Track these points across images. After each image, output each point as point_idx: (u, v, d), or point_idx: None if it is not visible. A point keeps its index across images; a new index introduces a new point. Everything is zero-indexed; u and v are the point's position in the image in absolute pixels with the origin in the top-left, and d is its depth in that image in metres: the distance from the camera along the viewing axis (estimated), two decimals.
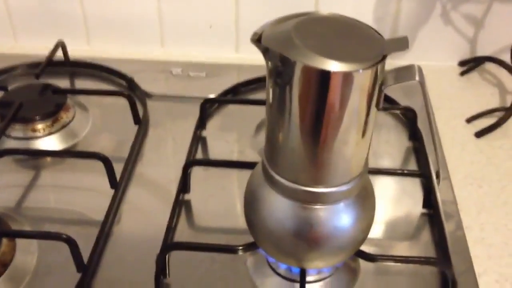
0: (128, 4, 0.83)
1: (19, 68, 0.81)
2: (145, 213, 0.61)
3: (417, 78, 0.40)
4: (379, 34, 0.41)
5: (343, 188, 0.44)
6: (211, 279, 0.54)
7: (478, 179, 0.65)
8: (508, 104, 0.73)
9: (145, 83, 0.78)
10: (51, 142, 0.69)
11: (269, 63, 0.40)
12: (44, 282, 0.53)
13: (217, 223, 0.60)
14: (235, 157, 0.68)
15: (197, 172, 0.64)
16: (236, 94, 0.78)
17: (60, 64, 0.81)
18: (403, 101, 0.73)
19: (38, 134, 0.69)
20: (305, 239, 0.45)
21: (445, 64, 0.84)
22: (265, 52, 0.39)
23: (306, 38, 0.38)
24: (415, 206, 0.61)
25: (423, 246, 0.57)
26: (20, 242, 0.56)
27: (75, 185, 0.64)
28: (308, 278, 0.52)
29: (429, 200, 0.61)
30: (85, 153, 0.67)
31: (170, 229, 0.57)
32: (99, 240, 0.56)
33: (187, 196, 0.62)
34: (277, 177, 0.44)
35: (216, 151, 0.69)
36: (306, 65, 0.37)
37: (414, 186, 0.64)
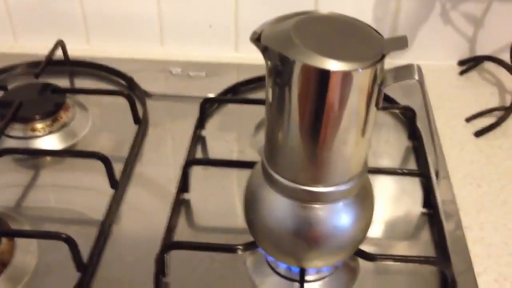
0: (128, 3, 0.83)
1: (19, 67, 0.81)
2: (145, 212, 0.61)
3: (416, 77, 0.40)
4: (379, 33, 0.41)
5: (343, 187, 0.44)
6: (211, 279, 0.54)
7: (478, 179, 0.65)
8: (508, 104, 0.74)
9: (144, 83, 0.78)
10: (50, 142, 0.69)
11: (269, 62, 0.40)
12: (44, 282, 0.53)
13: (217, 222, 0.60)
14: (234, 156, 0.68)
15: (196, 172, 0.64)
16: (235, 94, 0.78)
17: (60, 63, 0.81)
18: (403, 101, 0.73)
19: (37, 133, 0.69)
20: (305, 238, 0.45)
21: (444, 63, 0.84)
22: (265, 51, 0.39)
23: (306, 37, 0.38)
24: (414, 206, 0.61)
25: (423, 246, 0.57)
26: (19, 241, 0.56)
27: (75, 185, 0.64)
28: (308, 278, 0.52)
29: (429, 199, 0.61)
30: (84, 152, 0.67)
31: (170, 228, 0.57)
32: (99, 240, 0.56)
33: (186, 196, 0.62)
34: (277, 177, 0.44)
35: (216, 150, 0.69)
36: (305, 64, 0.37)
37: (413, 186, 0.64)
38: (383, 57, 0.38)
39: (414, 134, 0.70)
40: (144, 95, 0.76)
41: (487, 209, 0.62)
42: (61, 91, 0.74)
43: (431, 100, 0.77)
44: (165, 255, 0.53)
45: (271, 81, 0.41)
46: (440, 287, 0.53)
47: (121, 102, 0.71)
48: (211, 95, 0.75)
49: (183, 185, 0.62)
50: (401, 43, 0.40)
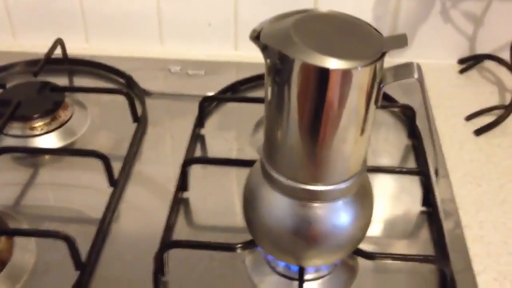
0: (127, 1, 0.83)
1: (18, 66, 0.81)
2: (144, 211, 0.61)
3: (415, 75, 0.40)
4: (378, 31, 0.41)
5: (342, 186, 0.44)
6: (210, 277, 0.54)
7: (477, 177, 0.65)
8: (507, 102, 0.73)
9: (143, 81, 0.78)
10: (49, 140, 0.69)
11: (268, 60, 0.40)
12: (42, 280, 0.53)
13: (216, 221, 0.60)
14: (233, 155, 0.68)
15: (195, 170, 0.64)
16: (235, 92, 0.78)
17: (59, 62, 0.81)
18: (402, 99, 0.73)
19: (36, 132, 0.69)
20: (304, 237, 0.45)
21: (444, 62, 0.84)
22: (264, 49, 0.39)
23: (305, 35, 0.38)
24: (413, 204, 0.61)
25: (422, 244, 0.57)
26: (18, 240, 0.56)
27: (73, 183, 0.64)
28: (307, 276, 0.52)
29: (428, 198, 0.61)
30: (83, 151, 0.66)
31: (169, 227, 0.57)
32: (97, 238, 0.56)
33: (185, 194, 0.62)
34: (276, 175, 0.44)
35: (215, 149, 0.69)
36: (304, 63, 0.37)
37: (412, 184, 0.63)
38: (382, 55, 0.38)
39: (413, 133, 0.70)
40: (143, 93, 0.76)
41: (486, 208, 0.62)
42: (60, 90, 0.74)
43: (431, 98, 0.77)
44: (164, 253, 0.53)
45: (270, 79, 0.41)
46: (439, 285, 0.53)
47: (120, 101, 0.71)
48: (210, 94, 0.75)
49: (182, 183, 0.62)
50: (400, 41, 0.40)
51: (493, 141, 0.71)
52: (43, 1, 0.84)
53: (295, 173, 0.43)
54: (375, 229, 0.58)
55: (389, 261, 0.55)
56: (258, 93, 0.77)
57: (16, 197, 0.62)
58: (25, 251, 0.55)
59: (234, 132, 0.71)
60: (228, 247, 0.53)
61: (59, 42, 0.80)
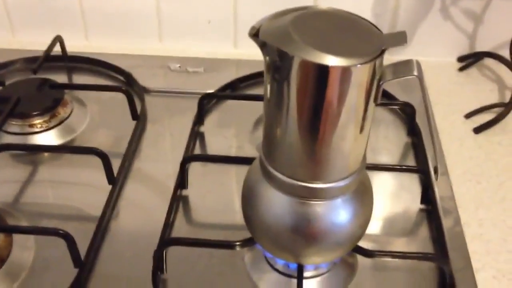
0: None
1: (17, 63, 0.81)
2: (143, 208, 0.61)
3: (415, 73, 0.39)
4: (378, 29, 0.40)
5: (341, 183, 0.44)
6: (209, 275, 0.54)
7: (477, 175, 0.65)
8: (507, 100, 0.73)
9: (143, 78, 0.78)
10: (48, 138, 0.69)
11: (267, 57, 0.40)
12: (41, 278, 0.53)
13: (215, 218, 0.60)
14: (233, 152, 0.68)
15: (195, 168, 0.64)
16: (234, 90, 0.78)
17: (58, 59, 0.81)
18: (402, 97, 0.73)
19: (35, 129, 0.69)
20: (303, 235, 0.45)
21: (444, 59, 0.84)
22: (263, 46, 0.39)
23: (304, 32, 0.38)
24: (413, 202, 0.61)
25: (421, 242, 0.57)
26: (17, 237, 0.56)
27: (73, 181, 0.64)
28: (306, 274, 0.52)
29: (427, 196, 0.61)
30: (82, 148, 0.66)
31: (168, 224, 0.57)
32: (96, 236, 0.56)
33: (185, 192, 0.62)
34: (275, 173, 0.44)
35: (214, 146, 0.69)
36: (304, 60, 0.37)
37: (412, 182, 0.63)
38: (382, 52, 0.38)
39: (413, 130, 0.70)
40: (142, 91, 0.76)
41: (486, 205, 0.62)
42: (59, 87, 0.74)
43: (431, 96, 0.77)
44: (163, 251, 0.53)
45: (269, 76, 0.40)
46: (438, 283, 0.53)
47: (120, 98, 0.71)
48: (210, 91, 0.75)
49: (181, 181, 0.62)
50: (400, 38, 0.40)
51: (492, 138, 0.70)
52: None
53: (294, 170, 0.43)
54: (374, 226, 0.58)
55: (388, 259, 0.55)
56: (258, 91, 0.77)
57: (15, 194, 0.62)
58: (24, 249, 0.55)
59: (234, 130, 0.71)
60: (227, 245, 0.53)
61: (58, 39, 0.80)
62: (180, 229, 0.58)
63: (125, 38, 0.86)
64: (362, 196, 0.47)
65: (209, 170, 0.65)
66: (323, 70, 0.37)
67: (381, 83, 0.40)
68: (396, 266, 0.55)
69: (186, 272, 0.54)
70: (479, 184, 0.64)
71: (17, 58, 0.81)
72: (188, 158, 0.63)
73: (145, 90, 0.76)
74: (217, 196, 0.62)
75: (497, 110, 0.73)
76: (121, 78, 0.79)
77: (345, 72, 0.37)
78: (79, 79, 0.80)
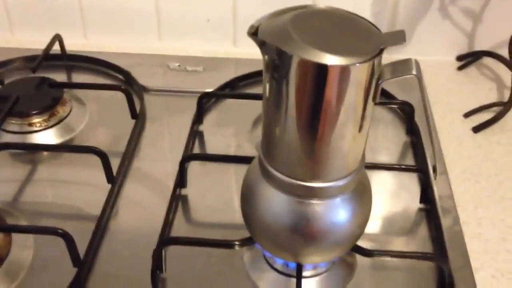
0: None
1: (16, 61, 0.80)
2: (142, 208, 0.61)
3: (414, 72, 0.39)
4: (376, 27, 0.40)
5: (340, 183, 0.44)
6: (208, 274, 0.54)
7: (476, 174, 0.65)
8: (506, 99, 0.73)
9: (142, 77, 0.78)
10: (47, 136, 0.69)
11: (266, 56, 0.40)
12: (40, 277, 0.53)
13: (214, 218, 0.60)
14: (232, 151, 0.68)
15: (194, 167, 0.64)
16: (233, 89, 0.77)
17: (57, 57, 0.81)
18: (401, 96, 0.73)
19: (34, 128, 0.69)
20: (302, 234, 0.45)
21: (443, 58, 0.84)
22: (262, 45, 0.39)
23: (303, 31, 0.38)
24: (412, 201, 0.61)
25: (420, 241, 0.57)
26: (16, 236, 0.56)
27: (72, 180, 0.64)
28: (305, 273, 0.52)
29: (426, 195, 0.61)
30: (81, 147, 0.66)
31: (167, 224, 0.57)
32: (96, 235, 0.56)
33: (184, 191, 0.62)
34: (274, 172, 0.44)
35: (213, 145, 0.69)
36: (302, 59, 0.37)
37: (411, 181, 0.63)
38: (380, 51, 0.38)
39: (412, 129, 0.70)
40: (141, 89, 0.76)
41: (484, 204, 0.62)
42: (58, 86, 0.74)
43: (429, 95, 0.77)
44: (162, 250, 0.53)
45: (268, 75, 0.40)
46: (437, 283, 0.53)
47: (119, 97, 0.71)
48: (209, 90, 0.75)
49: (181, 180, 0.62)
50: (399, 37, 0.40)
51: (491, 137, 0.70)
52: None
53: (293, 169, 0.43)
54: (373, 226, 0.58)
55: (387, 258, 0.55)
56: (257, 90, 0.77)
57: (14, 193, 0.62)
58: (23, 248, 0.55)
59: (233, 129, 0.71)
60: (226, 244, 0.53)
61: (57, 38, 0.80)
62: (179, 228, 0.58)
63: (124, 36, 0.86)
64: (361, 196, 0.47)
65: (208, 169, 0.65)
66: (322, 69, 0.37)
67: (379, 82, 0.40)
68: (395, 266, 0.55)
69: (185, 271, 0.54)
70: (478, 183, 0.64)
71: (16, 57, 0.81)
72: (187, 157, 0.63)
73: (144, 89, 0.76)
74: (216, 195, 0.62)
75: (496, 109, 0.73)
76: (120, 77, 0.79)
77: (344, 71, 0.37)
78: (78, 78, 0.80)
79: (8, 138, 0.68)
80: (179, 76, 0.80)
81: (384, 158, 0.67)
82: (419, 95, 0.43)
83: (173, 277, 0.54)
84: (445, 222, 0.58)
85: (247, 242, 0.52)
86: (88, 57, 0.81)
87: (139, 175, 0.64)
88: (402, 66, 0.40)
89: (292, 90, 0.39)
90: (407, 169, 0.64)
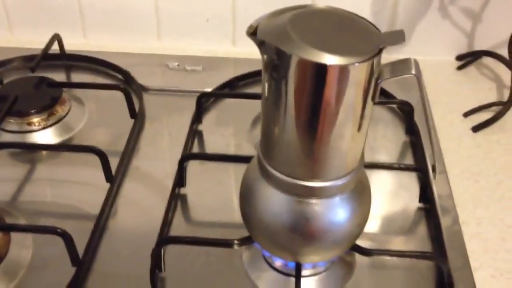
0: None
1: (15, 61, 0.80)
2: (141, 207, 0.61)
3: (413, 71, 0.39)
4: (376, 27, 0.40)
5: (339, 182, 0.44)
6: (207, 273, 0.54)
7: (475, 174, 0.65)
8: (506, 99, 0.73)
9: (141, 77, 0.77)
10: (46, 136, 0.69)
11: (265, 56, 0.40)
12: (39, 276, 0.53)
13: (213, 217, 0.60)
14: (231, 151, 0.68)
15: (193, 166, 0.64)
16: (232, 88, 0.77)
17: (56, 57, 0.81)
18: (400, 95, 0.73)
19: (33, 127, 0.69)
20: (301, 233, 0.45)
21: (442, 58, 0.84)
22: (261, 45, 0.39)
23: (302, 31, 0.38)
24: (411, 201, 0.61)
25: (419, 241, 0.57)
26: (15, 236, 0.56)
27: (71, 179, 0.64)
28: (304, 272, 0.52)
29: (426, 194, 0.61)
30: (80, 147, 0.66)
31: (166, 223, 0.57)
32: (95, 234, 0.56)
33: (183, 190, 0.62)
34: (273, 171, 0.44)
35: (212, 145, 0.69)
36: (301, 59, 0.37)
37: (410, 181, 0.63)
38: (380, 51, 0.38)
39: (411, 129, 0.70)
40: (140, 89, 0.76)
41: (484, 204, 0.62)
42: (57, 85, 0.74)
43: (429, 95, 0.77)
44: (161, 249, 0.53)
45: (267, 75, 0.40)
46: (436, 282, 0.53)
47: (118, 96, 0.70)
48: (208, 90, 0.75)
49: (180, 179, 0.62)
50: (398, 37, 0.40)
51: (491, 137, 0.70)
52: None
53: (292, 169, 0.43)
54: (372, 225, 0.58)
55: (387, 258, 0.55)
56: (256, 89, 0.77)
57: (13, 192, 0.62)
58: (22, 247, 0.55)
59: (232, 128, 0.71)
60: (225, 243, 0.53)
61: (56, 37, 0.80)
62: (178, 228, 0.58)
63: (123, 36, 0.86)
64: (360, 195, 0.47)
65: (207, 169, 0.64)
66: (321, 69, 0.37)
67: (379, 81, 0.40)
68: (394, 265, 0.55)
69: (184, 270, 0.54)
70: (477, 182, 0.64)
71: (15, 56, 0.81)
72: (186, 157, 0.63)
73: (143, 89, 0.76)
74: (215, 195, 0.62)
75: (496, 108, 0.73)
76: (120, 76, 0.79)
77: (343, 70, 0.37)
78: (77, 77, 0.80)
79: (7, 137, 0.68)
80: (178, 75, 0.80)
81: (383, 157, 0.67)
82: (419, 95, 0.43)
83: (172, 276, 0.54)
84: (445, 221, 0.58)
85: (246, 241, 0.52)
86: (87, 56, 0.81)
87: (138, 175, 0.64)
88: (402, 66, 0.40)
89: (291, 89, 0.39)
90: (406, 168, 0.64)
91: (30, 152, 0.67)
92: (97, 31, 0.86)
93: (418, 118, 0.70)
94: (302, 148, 0.42)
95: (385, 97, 0.74)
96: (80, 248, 0.53)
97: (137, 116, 0.71)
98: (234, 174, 0.64)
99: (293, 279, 0.51)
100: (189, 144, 0.67)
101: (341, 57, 0.37)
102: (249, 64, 0.78)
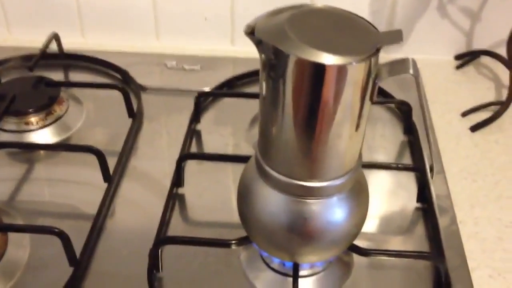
0: None
1: (13, 60, 0.80)
2: (139, 207, 0.60)
3: (411, 71, 0.39)
4: (374, 27, 0.40)
5: (337, 182, 0.44)
6: (205, 273, 0.54)
7: (473, 173, 0.65)
8: (504, 98, 0.73)
9: (139, 76, 0.77)
10: (44, 135, 0.69)
11: (263, 55, 0.39)
12: (36, 276, 0.53)
13: (211, 217, 0.60)
14: (229, 150, 0.68)
15: (191, 166, 0.64)
16: (231, 88, 0.77)
17: (54, 56, 0.81)
18: (398, 95, 0.73)
19: (31, 127, 0.69)
20: (299, 233, 0.45)
21: (441, 57, 0.84)
22: (259, 44, 0.39)
23: (300, 30, 0.38)
24: (409, 200, 0.61)
25: (417, 241, 0.57)
26: (12, 236, 0.56)
27: (69, 179, 0.64)
28: (301, 273, 0.52)
29: (423, 194, 0.61)
30: (78, 146, 0.66)
31: (164, 223, 0.57)
32: (92, 234, 0.56)
33: (181, 190, 0.62)
34: (271, 171, 0.44)
35: (211, 144, 0.69)
36: (299, 58, 0.37)
37: (408, 180, 0.63)
38: (377, 50, 0.38)
39: (409, 129, 0.70)
40: (139, 88, 0.76)
41: (481, 204, 0.62)
42: (55, 85, 0.73)
43: (427, 94, 0.77)
44: (158, 249, 0.53)
45: (265, 74, 0.40)
46: (434, 282, 0.53)
47: (116, 96, 0.70)
48: (206, 89, 0.75)
49: (178, 179, 0.62)
50: (396, 37, 0.40)
51: (489, 137, 0.70)
52: None
53: (290, 169, 0.43)
54: (370, 225, 0.58)
55: (384, 258, 0.55)
56: (255, 89, 0.76)
57: (11, 192, 0.62)
58: (19, 247, 0.55)
59: (230, 128, 0.71)
60: (223, 243, 0.53)
61: (54, 36, 0.80)
62: (176, 227, 0.58)
63: (121, 35, 0.86)
64: (358, 195, 0.47)
65: (205, 168, 0.64)
66: (319, 68, 0.37)
67: (377, 81, 0.40)
68: (392, 265, 0.55)
69: (182, 270, 0.54)
70: (475, 182, 0.64)
71: (13, 56, 0.80)
72: (184, 156, 0.63)
73: (142, 88, 0.76)
74: (213, 194, 0.62)
75: (494, 108, 0.73)
76: (118, 75, 0.79)
77: (341, 70, 0.37)
78: (75, 76, 0.80)
79: (5, 137, 0.68)
80: (176, 75, 0.79)
81: (381, 157, 0.67)
82: (417, 94, 0.43)
83: (170, 276, 0.54)
84: (442, 221, 0.58)
85: (244, 241, 0.52)
86: (85, 56, 0.81)
87: (136, 174, 0.64)
88: (400, 65, 0.40)
89: (289, 89, 0.39)
90: (404, 168, 0.64)
91: (28, 151, 0.67)
92: (95, 31, 0.86)
93: (416, 117, 0.70)
94: (300, 148, 0.42)
95: (383, 97, 0.74)
96: (78, 248, 0.53)
97: (135, 115, 0.71)
98: (232, 174, 0.64)
99: (290, 279, 0.51)
100: (187, 143, 0.67)
101: (339, 57, 0.37)
102: (248, 63, 0.78)
